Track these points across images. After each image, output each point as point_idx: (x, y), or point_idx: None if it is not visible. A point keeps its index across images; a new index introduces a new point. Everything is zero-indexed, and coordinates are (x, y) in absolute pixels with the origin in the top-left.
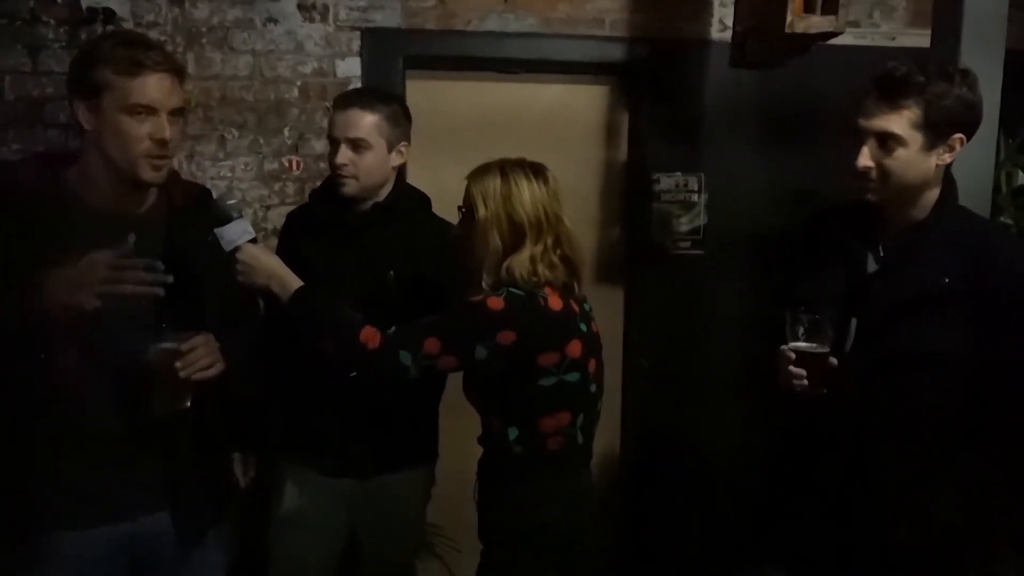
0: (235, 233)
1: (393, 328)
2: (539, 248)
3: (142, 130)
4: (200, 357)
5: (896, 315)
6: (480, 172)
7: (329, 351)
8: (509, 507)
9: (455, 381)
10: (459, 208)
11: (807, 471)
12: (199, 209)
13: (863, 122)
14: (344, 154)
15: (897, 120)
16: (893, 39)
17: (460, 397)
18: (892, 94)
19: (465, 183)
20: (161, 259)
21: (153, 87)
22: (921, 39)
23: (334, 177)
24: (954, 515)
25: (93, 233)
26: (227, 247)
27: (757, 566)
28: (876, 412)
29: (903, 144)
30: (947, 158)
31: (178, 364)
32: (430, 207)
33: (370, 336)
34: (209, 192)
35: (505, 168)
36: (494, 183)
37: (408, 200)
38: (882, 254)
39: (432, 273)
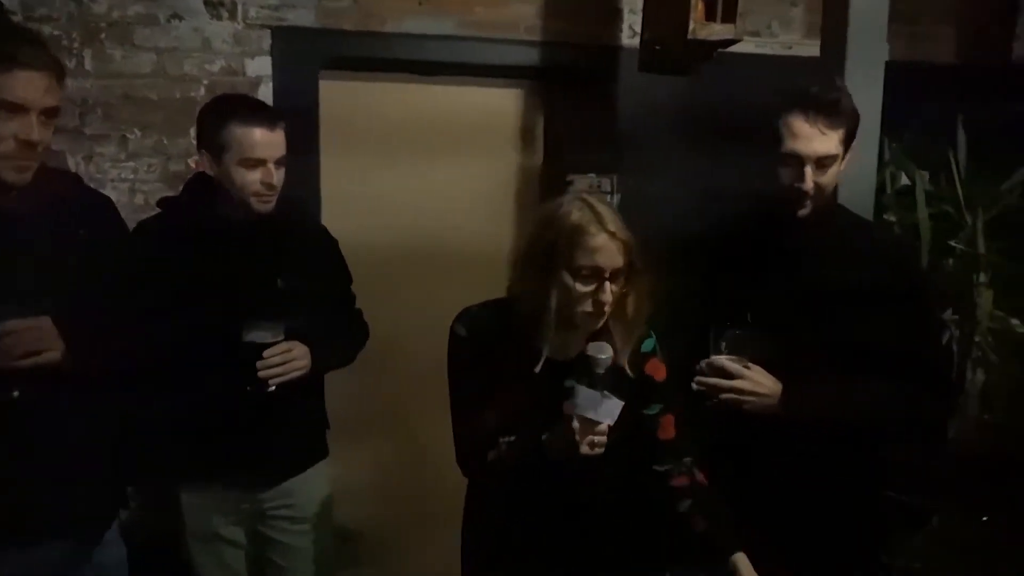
0: (607, 412)
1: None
2: None
3: (6, 129)
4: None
5: (796, 309)
6: (610, 219)
7: None
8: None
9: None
10: (603, 276)
11: (734, 470)
12: (70, 199)
13: (802, 148)
14: (277, 175)
15: (833, 141)
16: (790, 48)
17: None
18: (828, 117)
19: (604, 237)
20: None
21: (22, 84)
22: (816, 49)
23: (258, 196)
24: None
25: None
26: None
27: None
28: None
29: (836, 162)
30: (844, 164)
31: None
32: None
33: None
34: (80, 179)
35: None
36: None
37: (283, 205)
38: (779, 253)
39: (317, 276)
